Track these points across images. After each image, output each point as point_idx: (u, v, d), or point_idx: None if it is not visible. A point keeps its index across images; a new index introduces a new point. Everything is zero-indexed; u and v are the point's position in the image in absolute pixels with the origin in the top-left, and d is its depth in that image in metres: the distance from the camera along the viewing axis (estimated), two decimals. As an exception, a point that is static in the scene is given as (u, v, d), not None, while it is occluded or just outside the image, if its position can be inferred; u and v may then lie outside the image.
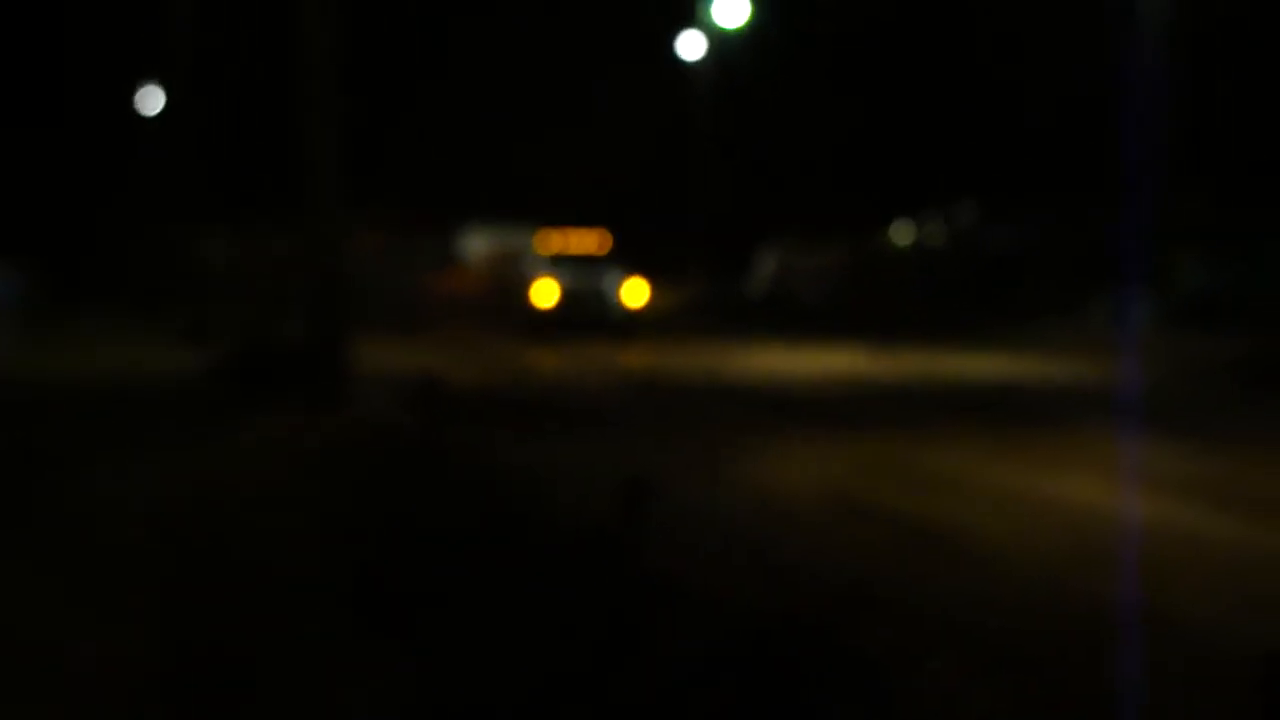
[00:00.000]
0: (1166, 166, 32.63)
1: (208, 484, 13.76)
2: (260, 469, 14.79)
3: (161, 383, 22.99)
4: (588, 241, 37.38)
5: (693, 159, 52.11)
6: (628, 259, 36.07)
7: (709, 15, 51.09)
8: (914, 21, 51.71)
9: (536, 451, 15.59)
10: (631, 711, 6.49)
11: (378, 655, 8.12)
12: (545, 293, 33.49)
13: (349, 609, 9.26)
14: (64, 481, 13.68)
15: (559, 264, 34.75)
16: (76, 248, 43.78)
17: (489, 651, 7.72)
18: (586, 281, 33.89)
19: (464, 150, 54.42)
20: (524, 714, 6.77)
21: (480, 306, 35.87)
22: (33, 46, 52.96)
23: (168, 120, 49.30)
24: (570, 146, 51.46)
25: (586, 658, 7.21)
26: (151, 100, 53.69)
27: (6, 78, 53.22)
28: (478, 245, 41.65)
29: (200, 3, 41.34)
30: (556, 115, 52.81)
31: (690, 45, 52.17)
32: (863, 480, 13.86)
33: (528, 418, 19.26)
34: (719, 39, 51.62)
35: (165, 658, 8.05)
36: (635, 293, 34.22)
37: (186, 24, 41.65)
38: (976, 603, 9.01)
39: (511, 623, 8.08)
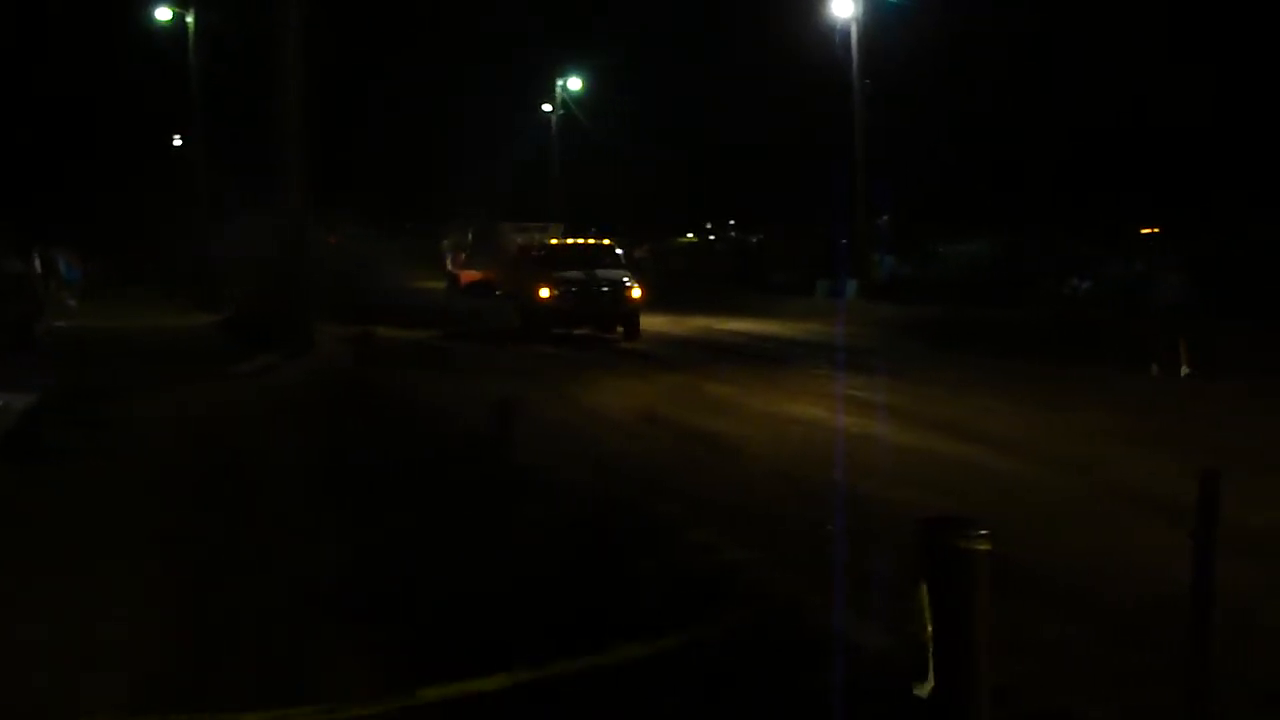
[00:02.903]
0: (865, 198, 33.27)
1: (217, 396, 14.78)
2: (247, 389, 15.41)
3: (183, 334, 23.30)
4: (593, 240, 27.12)
5: (550, 182, 52.14)
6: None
7: (564, 86, 52.45)
8: (690, 95, 53.49)
9: (432, 381, 15.35)
10: (499, 556, 6.39)
11: (328, 508, 8.07)
12: (549, 286, 23.18)
13: (308, 479, 9.31)
14: (126, 394, 14.49)
15: (568, 257, 24.53)
16: (119, 243, 42.51)
17: (402, 515, 7.55)
18: (596, 275, 23.42)
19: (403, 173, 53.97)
20: (427, 553, 6.66)
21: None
22: (87, 105, 51.82)
23: (183, 151, 47.89)
24: (477, 170, 50.92)
25: (470, 521, 7.07)
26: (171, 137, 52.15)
27: (70, 127, 52.04)
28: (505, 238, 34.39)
29: (206, 70, 40.14)
30: (470, 148, 52.46)
31: (548, 105, 52.66)
32: (664, 402, 13.84)
33: (430, 359, 18.97)
34: (569, 101, 52.55)
35: (189, 506, 8.39)
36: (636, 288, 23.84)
37: (196, 85, 40.44)
38: (737, 485, 9.02)
39: (417, 497, 7.90)
